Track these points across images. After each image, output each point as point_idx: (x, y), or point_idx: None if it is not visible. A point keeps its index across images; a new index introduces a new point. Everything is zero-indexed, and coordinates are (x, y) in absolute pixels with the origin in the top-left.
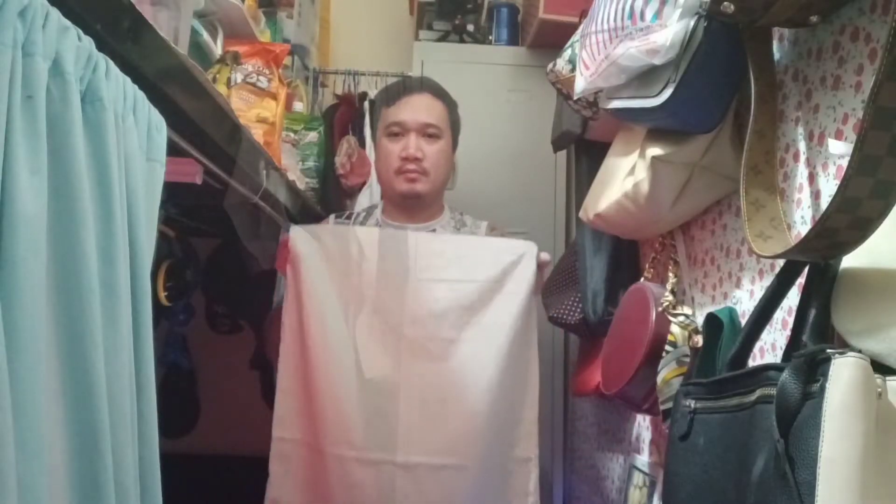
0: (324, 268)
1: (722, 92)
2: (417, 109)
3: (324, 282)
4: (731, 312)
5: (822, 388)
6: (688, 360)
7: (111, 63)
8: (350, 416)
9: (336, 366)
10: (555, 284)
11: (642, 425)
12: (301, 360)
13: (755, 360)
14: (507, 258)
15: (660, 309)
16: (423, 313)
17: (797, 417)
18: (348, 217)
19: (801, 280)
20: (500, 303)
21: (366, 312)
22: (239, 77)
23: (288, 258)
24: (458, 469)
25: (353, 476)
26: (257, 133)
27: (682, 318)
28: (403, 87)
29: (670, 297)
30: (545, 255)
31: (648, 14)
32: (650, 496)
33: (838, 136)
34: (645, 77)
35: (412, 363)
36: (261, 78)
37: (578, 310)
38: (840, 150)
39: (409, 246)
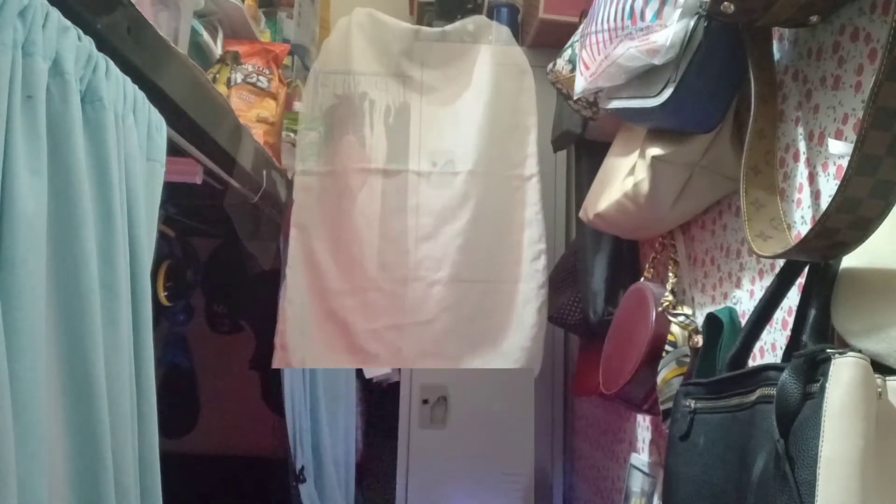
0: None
1: (722, 92)
2: None
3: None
4: (731, 312)
5: (822, 389)
6: (688, 360)
7: (111, 63)
8: (373, 137)
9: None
10: (554, 284)
11: (642, 425)
12: None
13: (755, 360)
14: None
15: (660, 309)
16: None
17: (797, 417)
18: None
19: (801, 280)
20: (494, 58)
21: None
22: (239, 77)
23: None
24: (470, 174)
25: (374, 186)
26: (257, 133)
27: (682, 318)
28: None
29: (670, 297)
30: None
31: (648, 14)
32: (650, 498)
33: (838, 136)
34: (645, 77)
35: (420, 102)
36: (261, 78)
37: (578, 310)
38: (840, 150)
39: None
